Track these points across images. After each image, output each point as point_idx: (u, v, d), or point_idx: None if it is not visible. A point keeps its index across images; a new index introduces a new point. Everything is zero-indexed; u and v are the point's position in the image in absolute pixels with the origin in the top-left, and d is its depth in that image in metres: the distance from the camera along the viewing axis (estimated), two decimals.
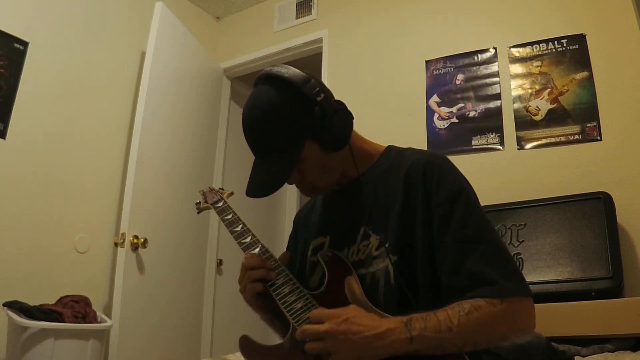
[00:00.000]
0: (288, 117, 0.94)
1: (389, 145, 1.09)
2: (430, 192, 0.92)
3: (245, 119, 0.98)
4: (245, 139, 0.99)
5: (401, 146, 1.09)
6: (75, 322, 2.03)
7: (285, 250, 1.19)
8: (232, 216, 1.11)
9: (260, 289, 0.96)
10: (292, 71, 0.95)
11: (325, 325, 0.78)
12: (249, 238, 1.04)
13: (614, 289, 1.65)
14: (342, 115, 0.97)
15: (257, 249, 1.00)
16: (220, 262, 3.19)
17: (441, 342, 0.78)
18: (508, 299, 0.81)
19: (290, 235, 1.22)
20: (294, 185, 1.01)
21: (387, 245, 0.93)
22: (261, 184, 0.95)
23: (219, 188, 1.27)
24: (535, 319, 0.84)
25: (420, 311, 0.82)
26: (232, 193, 1.25)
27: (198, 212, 1.25)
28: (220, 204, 1.17)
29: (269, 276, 0.96)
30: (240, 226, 1.07)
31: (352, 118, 0.99)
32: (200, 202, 1.23)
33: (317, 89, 0.94)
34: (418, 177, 0.94)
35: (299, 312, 0.88)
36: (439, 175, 0.93)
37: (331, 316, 0.79)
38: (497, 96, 2.36)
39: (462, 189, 0.92)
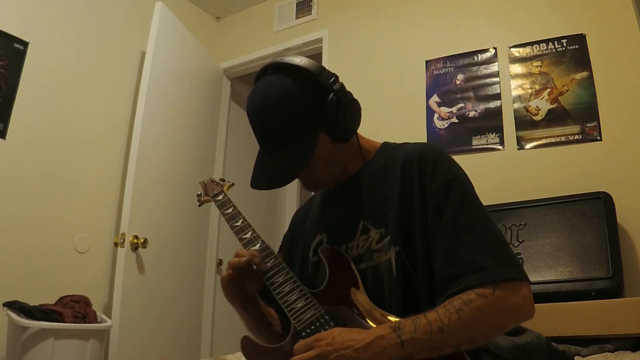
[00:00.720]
0: (305, 105, 0.93)
1: (385, 142, 1.09)
2: (425, 182, 0.92)
3: (257, 109, 0.94)
4: (253, 130, 0.97)
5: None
6: (75, 322, 2.03)
7: (278, 249, 1.17)
8: (233, 210, 1.07)
9: (234, 274, 0.93)
10: (306, 60, 0.95)
11: (314, 351, 0.76)
12: (250, 233, 1.01)
13: (614, 289, 1.65)
14: (355, 105, 0.98)
15: (258, 245, 0.98)
16: (220, 262, 3.19)
17: (434, 344, 0.76)
18: (501, 286, 0.79)
19: (285, 235, 1.21)
20: (294, 183, 1.01)
21: (388, 238, 0.93)
22: (274, 175, 0.93)
23: (220, 179, 1.23)
24: (533, 305, 0.82)
25: (422, 302, 0.82)
26: (232, 184, 1.21)
27: (199, 205, 1.21)
28: (220, 197, 1.13)
29: (256, 262, 0.93)
30: (241, 221, 1.04)
31: (361, 108, 1.00)
32: (201, 194, 1.20)
33: (333, 77, 0.95)
34: (413, 169, 0.94)
35: (299, 312, 0.87)
36: (433, 165, 0.93)
37: (317, 340, 0.78)
38: (497, 96, 2.36)
39: (456, 177, 0.91)
